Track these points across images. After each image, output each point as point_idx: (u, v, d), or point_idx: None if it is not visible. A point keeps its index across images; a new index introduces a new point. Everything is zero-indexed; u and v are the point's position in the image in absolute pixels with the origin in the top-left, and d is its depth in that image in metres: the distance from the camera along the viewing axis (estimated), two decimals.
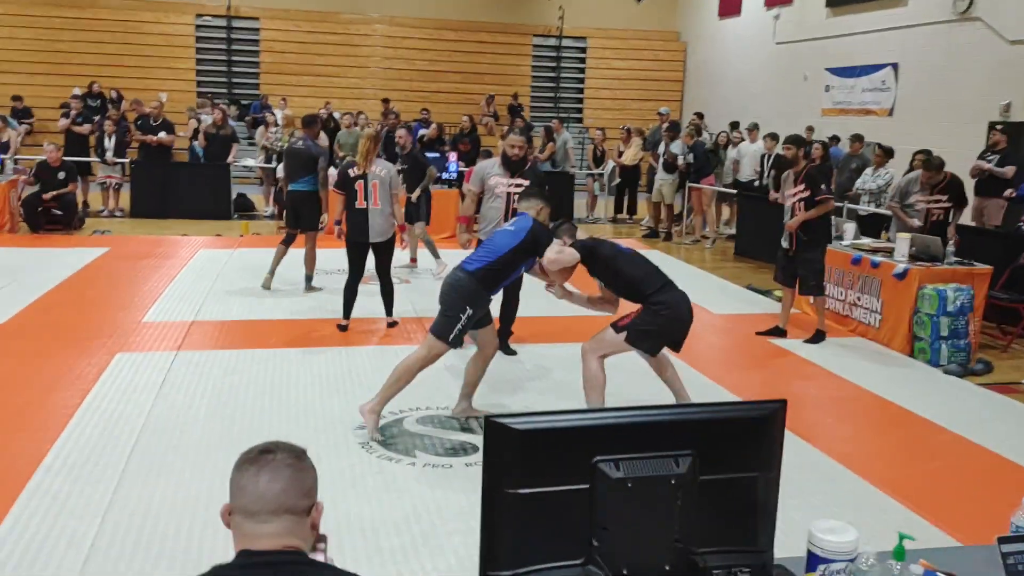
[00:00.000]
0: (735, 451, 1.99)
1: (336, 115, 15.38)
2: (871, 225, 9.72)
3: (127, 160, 12.41)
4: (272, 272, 8.08)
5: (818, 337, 7.22)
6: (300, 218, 7.94)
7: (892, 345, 7.07)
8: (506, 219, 6.22)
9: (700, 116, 15.75)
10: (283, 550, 1.62)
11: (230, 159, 12.59)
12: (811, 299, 7.43)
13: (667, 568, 1.94)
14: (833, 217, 7.73)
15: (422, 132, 14.06)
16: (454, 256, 8.73)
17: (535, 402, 5.33)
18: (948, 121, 12.63)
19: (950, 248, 7.03)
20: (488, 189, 6.29)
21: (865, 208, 10.09)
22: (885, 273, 7.17)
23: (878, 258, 7.33)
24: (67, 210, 10.79)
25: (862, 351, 7.03)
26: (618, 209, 14.91)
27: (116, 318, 6.92)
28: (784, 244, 7.28)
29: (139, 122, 12.76)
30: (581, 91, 21.76)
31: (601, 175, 15.10)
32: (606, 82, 21.40)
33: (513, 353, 6.46)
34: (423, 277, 9.14)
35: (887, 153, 10.08)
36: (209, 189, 12.49)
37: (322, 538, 1.93)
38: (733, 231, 12.67)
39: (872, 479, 4.45)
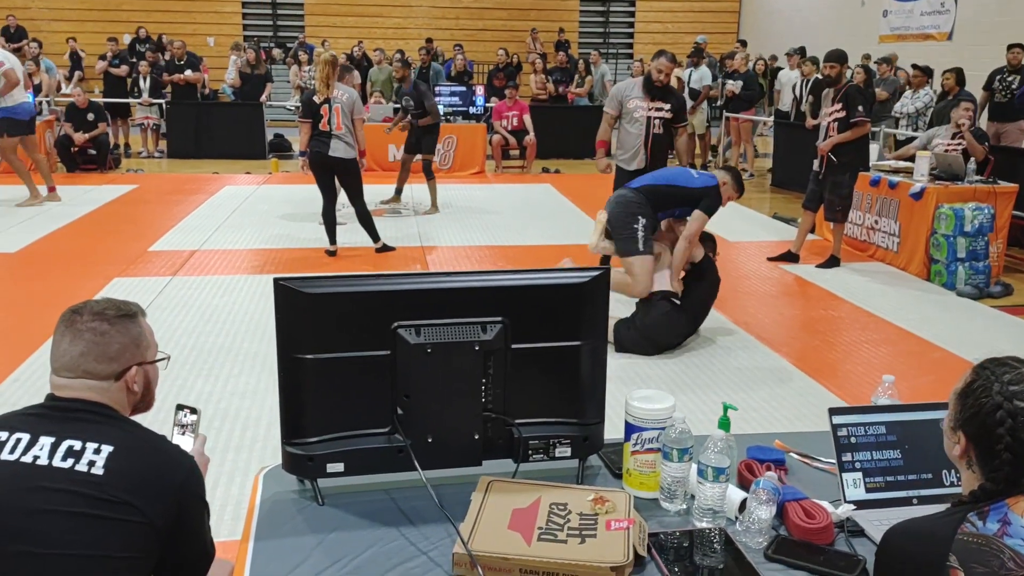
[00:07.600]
0: (555, 319, 1.90)
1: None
2: None
3: (162, 101, 12.61)
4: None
5: (831, 263, 6.93)
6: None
7: (909, 269, 6.76)
8: (646, 147, 5.94)
9: (744, 44, 15.12)
10: (83, 399, 1.63)
11: (263, 98, 12.67)
12: (831, 224, 7.09)
13: (476, 437, 1.89)
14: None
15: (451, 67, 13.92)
16: (478, 193, 8.61)
17: None
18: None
19: (971, 166, 6.61)
20: (627, 113, 5.95)
21: (903, 132, 9.59)
22: (903, 194, 6.81)
23: (896, 178, 6.96)
24: (100, 150, 11.05)
25: (875, 275, 6.73)
26: None
27: (124, 247, 7.07)
28: (815, 167, 6.95)
29: (163, 64, 12.94)
30: (632, 25, 21.15)
31: None
32: (658, 15, 20.74)
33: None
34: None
35: (925, 73, 9.51)
36: (244, 129, 12.60)
37: (192, 410, 1.91)
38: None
39: (843, 395, 4.28)
